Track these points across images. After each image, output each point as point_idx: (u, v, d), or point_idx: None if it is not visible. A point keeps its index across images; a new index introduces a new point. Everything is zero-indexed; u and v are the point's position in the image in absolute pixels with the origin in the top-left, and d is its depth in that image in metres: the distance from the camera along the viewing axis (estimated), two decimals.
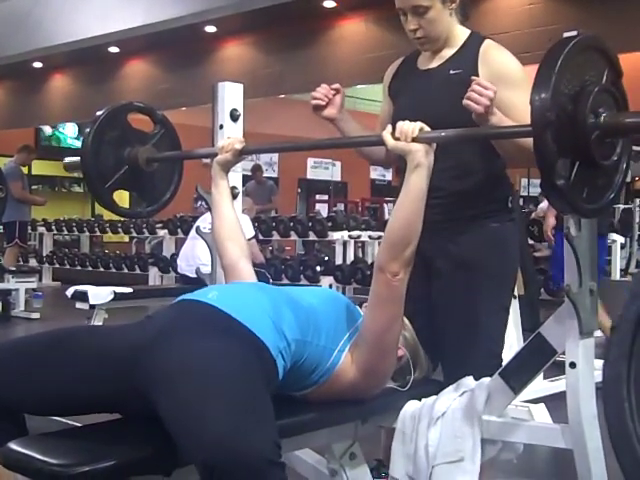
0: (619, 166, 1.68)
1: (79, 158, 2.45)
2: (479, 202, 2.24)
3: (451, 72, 2.23)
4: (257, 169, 10.72)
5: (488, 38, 2.27)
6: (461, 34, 2.28)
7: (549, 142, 1.51)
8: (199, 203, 9.60)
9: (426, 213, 2.24)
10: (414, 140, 1.88)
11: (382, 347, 1.94)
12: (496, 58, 2.21)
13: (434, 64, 2.30)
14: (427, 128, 1.90)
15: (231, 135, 2.43)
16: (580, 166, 1.57)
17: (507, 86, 2.13)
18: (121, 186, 2.50)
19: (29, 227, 9.65)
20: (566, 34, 1.80)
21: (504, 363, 2.00)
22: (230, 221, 2.25)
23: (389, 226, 1.91)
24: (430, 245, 2.19)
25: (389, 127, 1.93)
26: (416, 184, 1.88)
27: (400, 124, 1.90)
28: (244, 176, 2.57)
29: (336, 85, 2.33)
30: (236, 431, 1.46)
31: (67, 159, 2.67)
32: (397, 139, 1.90)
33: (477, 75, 2.15)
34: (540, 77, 1.53)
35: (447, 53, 2.27)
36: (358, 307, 2.07)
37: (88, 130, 2.43)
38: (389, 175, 15.39)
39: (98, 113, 2.46)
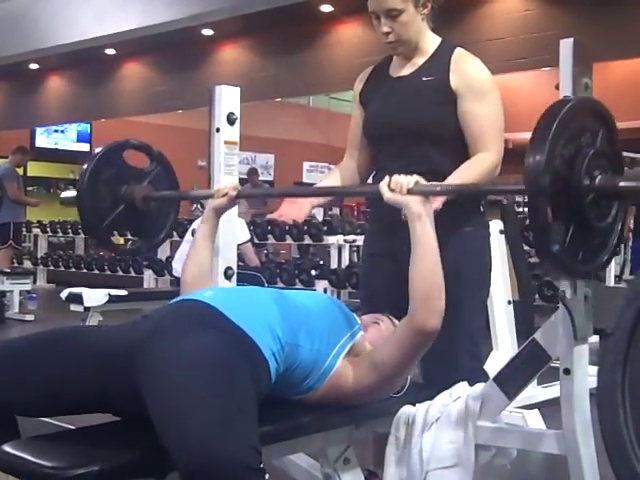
0: (614, 227, 1.68)
1: (75, 193, 2.42)
2: (454, 205, 2.26)
3: (424, 79, 2.28)
4: (253, 173, 10.73)
5: (459, 46, 2.31)
6: (432, 42, 2.32)
7: (543, 208, 1.51)
8: (195, 206, 9.60)
9: (402, 218, 2.26)
10: (409, 192, 1.89)
11: (394, 377, 1.98)
12: (467, 68, 2.26)
13: (406, 71, 2.33)
14: (422, 181, 1.92)
15: (229, 137, 2.43)
16: (575, 229, 1.57)
17: (475, 97, 2.21)
18: (118, 225, 2.47)
19: (24, 228, 9.64)
20: (563, 41, 1.81)
21: (499, 369, 2.00)
22: (203, 268, 2.22)
23: (415, 284, 1.90)
24: (407, 249, 2.22)
25: (386, 179, 1.94)
26: (424, 234, 1.90)
27: (395, 177, 1.93)
28: (240, 179, 2.57)
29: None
30: (216, 436, 1.45)
31: (63, 194, 2.65)
32: (393, 190, 1.92)
33: (448, 82, 2.23)
34: (534, 142, 1.53)
35: (419, 60, 2.32)
36: (353, 313, 2.08)
37: (84, 168, 2.39)
38: None
39: (95, 151, 2.43)
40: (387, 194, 1.92)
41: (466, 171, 2.16)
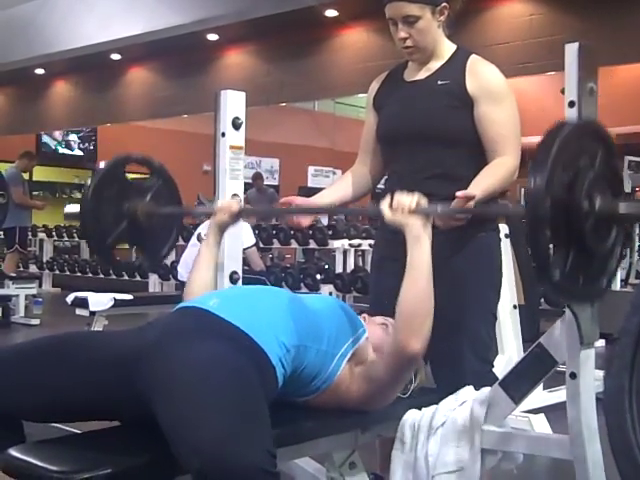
0: (614, 251, 1.66)
1: (78, 208, 2.40)
2: None
3: (439, 83, 2.29)
4: (258, 177, 10.76)
5: (474, 53, 2.32)
6: (448, 48, 2.34)
7: (543, 239, 1.49)
8: None
9: None
10: (411, 213, 1.88)
11: (391, 387, 1.98)
12: (483, 72, 2.27)
13: (421, 76, 2.34)
14: (424, 202, 1.90)
15: (234, 142, 2.43)
16: (575, 255, 1.55)
17: (491, 101, 2.23)
18: (122, 241, 2.46)
19: (29, 233, 9.65)
20: (568, 46, 1.82)
21: (505, 373, 2.00)
22: (203, 284, 2.21)
23: (402, 304, 1.88)
24: None
25: (387, 198, 1.92)
26: (420, 258, 1.88)
27: (397, 197, 1.91)
28: (245, 184, 2.57)
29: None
30: (231, 440, 1.46)
31: (67, 209, 2.64)
32: (395, 211, 1.90)
33: (464, 86, 2.24)
34: (534, 169, 1.50)
35: (434, 65, 2.33)
36: (359, 317, 2.08)
37: (87, 187, 2.38)
38: None
39: (100, 167, 2.43)
40: (388, 214, 1.91)
41: (487, 177, 2.17)
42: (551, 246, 1.51)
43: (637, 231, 7.93)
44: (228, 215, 2.26)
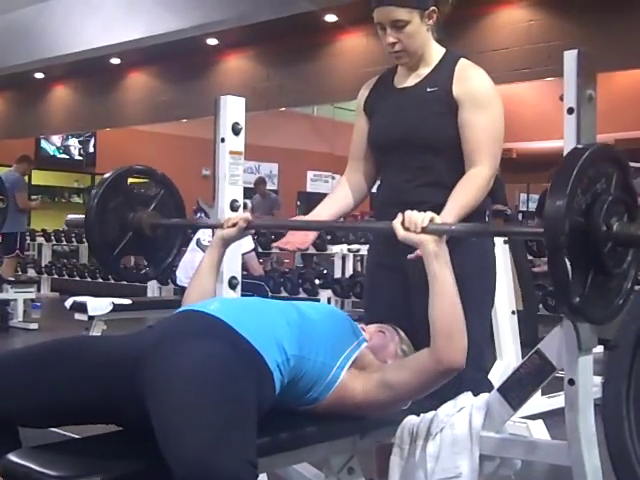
0: (629, 273, 1.68)
1: (82, 216, 2.39)
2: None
3: (428, 90, 2.28)
4: (261, 182, 10.75)
5: (463, 57, 2.31)
6: (437, 52, 2.32)
7: (563, 263, 1.50)
8: (199, 215, 9.61)
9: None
10: (423, 230, 1.86)
11: (407, 399, 1.98)
12: (470, 78, 2.25)
13: (411, 82, 2.33)
14: (437, 219, 1.89)
15: (234, 147, 2.44)
16: (593, 277, 1.57)
17: (474, 107, 2.21)
18: (127, 252, 2.46)
19: (28, 237, 9.65)
20: (567, 52, 1.82)
21: (503, 379, 2.00)
22: (202, 292, 2.18)
23: (437, 322, 1.87)
24: (416, 262, 2.23)
25: (399, 216, 1.91)
26: (441, 272, 1.87)
27: (409, 214, 1.89)
28: (247, 189, 2.57)
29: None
30: (212, 453, 1.45)
31: (69, 216, 2.63)
32: (407, 229, 1.88)
33: (451, 91, 2.23)
34: (552, 197, 1.52)
35: (423, 71, 2.32)
36: (357, 324, 2.08)
37: (91, 198, 2.36)
38: None
39: (104, 177, 2.40)
40: (401, 232, 1.89)
41: (461, 195, 2.16)
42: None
43: None
44: (236, 229, 2.22)
